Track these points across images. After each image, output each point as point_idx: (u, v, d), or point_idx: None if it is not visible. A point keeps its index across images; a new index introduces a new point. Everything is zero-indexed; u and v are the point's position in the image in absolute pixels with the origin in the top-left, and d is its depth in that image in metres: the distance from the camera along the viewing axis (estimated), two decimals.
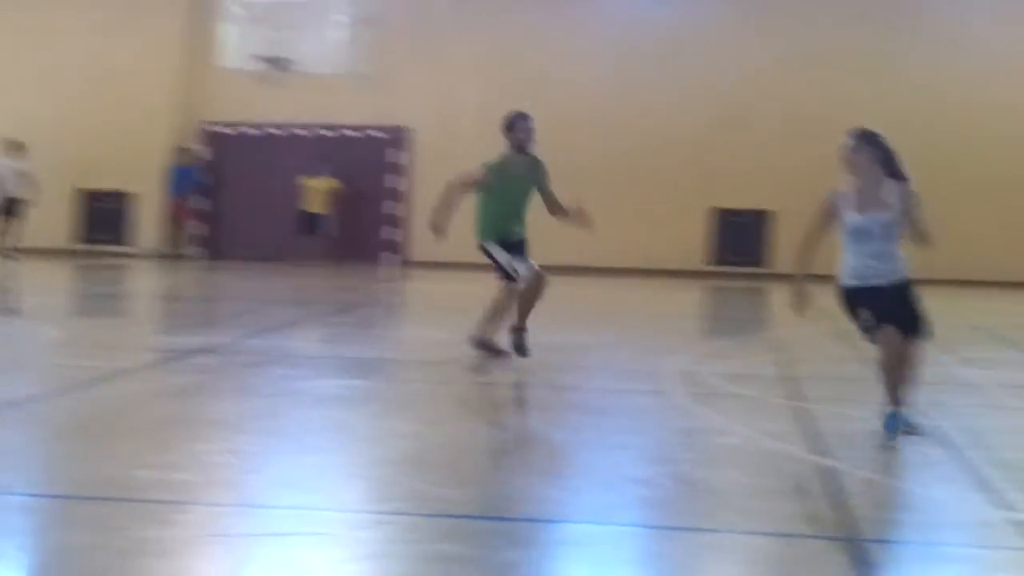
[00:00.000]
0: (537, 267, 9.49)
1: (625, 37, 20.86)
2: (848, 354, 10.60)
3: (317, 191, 20.78)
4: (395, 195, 21.58)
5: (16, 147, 19.18)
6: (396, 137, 21.49)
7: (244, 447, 6.36)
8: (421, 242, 21.63)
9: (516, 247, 9.52)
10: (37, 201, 19.29)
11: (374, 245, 21.43)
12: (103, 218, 21.60)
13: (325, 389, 8.26)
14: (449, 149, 21.06)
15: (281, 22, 19.27)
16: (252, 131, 21.70)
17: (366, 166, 21.54)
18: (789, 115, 20.51)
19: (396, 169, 21.58)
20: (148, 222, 21.56)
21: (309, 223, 20.77)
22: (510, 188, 9.51)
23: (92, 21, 21.02)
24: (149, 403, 7.71)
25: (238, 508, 5.20)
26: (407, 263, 21.58)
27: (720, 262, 21.05)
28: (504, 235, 9.49)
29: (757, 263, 20.87)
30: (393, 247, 21.64)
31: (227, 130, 21.73)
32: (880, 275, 6.62)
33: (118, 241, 21.57)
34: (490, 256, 9.57)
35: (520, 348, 9.32)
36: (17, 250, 18.97)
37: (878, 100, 18.89)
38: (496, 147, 18.92)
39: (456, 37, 21.07)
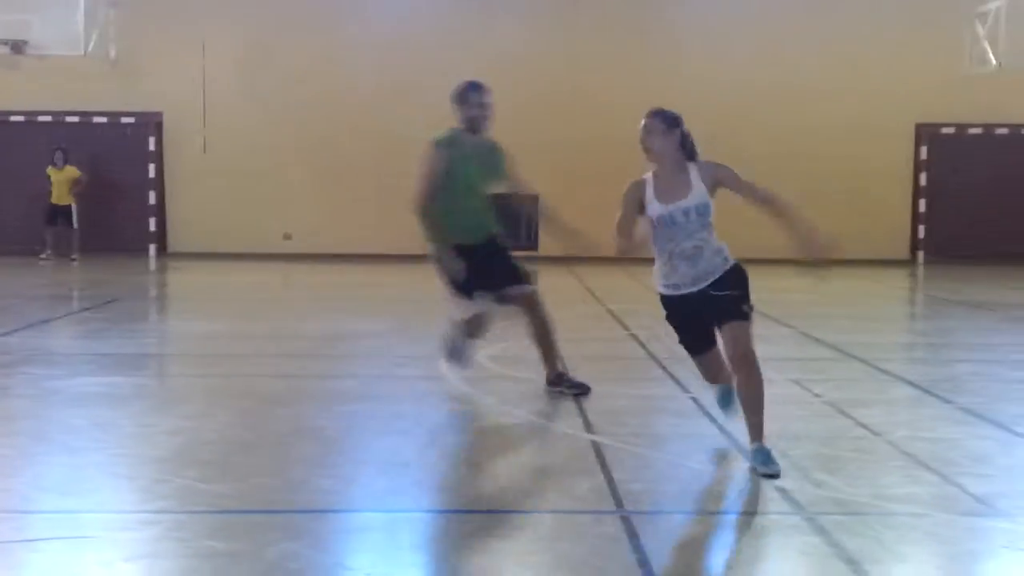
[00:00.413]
0: (524, 289, 7.62)
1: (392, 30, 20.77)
2: (615, 334, 10.90)
3: (58, 181, 19.86)
4: (152, 184, 20.88)
5: None
6: (149, 123, 20.77)
7: (0, 451, 6.02)
8: (178, 232, 21.07)
9: (480, 253, 7.45)
10: None
11: (133, 236, 20.67)
12: None
13: (86, 387, 7.90)
14: (202, 135, 20.59)
15: (16, 4, 18.38)
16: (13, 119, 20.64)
17: (120, 154, 20.74)
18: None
19: (152, 157, 20.87)
20: None
21: (52, 214, 19.84)
22: (461, 175, 7.37)
23: None
24: None
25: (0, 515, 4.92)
26: (169, 254, 20.94)
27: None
28: (458, 236, 7.39)
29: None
30: (155, 238, 20.95)
31: None
32: (693, 280, 5.80)
33: None
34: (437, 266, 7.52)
35: (577, 387, 7.57)
36: None
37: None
38: (250, 133, 18.79)
39: (204, 15, 20.50)
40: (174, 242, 21.09)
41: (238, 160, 20.64)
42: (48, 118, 20.60)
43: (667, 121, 5.85)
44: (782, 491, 5.24)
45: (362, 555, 4.46)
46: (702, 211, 5.76)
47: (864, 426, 6.74)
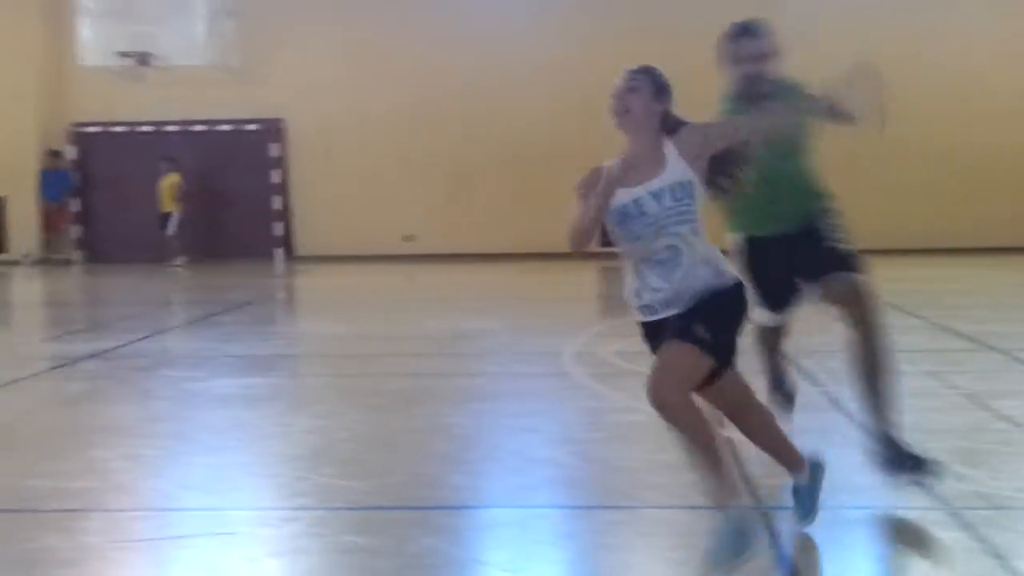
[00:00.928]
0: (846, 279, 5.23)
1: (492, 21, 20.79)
2: None
3: (162, 189, 20.36)
4: (276, 189, 21.29)
5: None
6: (271, 129, 21.19)
7: (144, 451, 6.22)
8: (303, 236, 21.43)
9: (780, 251, 5.37)
10: None
11: (257, 241, 21.11)
12: None
13: (224, 389, 8.12)
14: (323, 139, 20.91)
15: (140, 16, 18.87)
16: (120, 129, 21.22)
17: (243, 160, 21.19)
18: None
19: (275, 162, 21.28)
20: (24, 228, 20.96)
21: (162, 221, 20.33)
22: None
23: None
24: (40, 412, 7.50)
25: (142, 513, 5.09)
26: (294, 258, 21.35)
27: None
28: (753, 229, 5.46)
29: None
30: (281, 242, 21.37)
31: (95, 129, 21.19)
32: (667, 300, 4.18)
33: None
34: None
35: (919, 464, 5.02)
36: None
37: None
38: (371, 136, 18.95)
39: (321, 22, 20.79)
40: (300, 246, 21.48)
41: (359, 163, 20.94)
42: (174, 128, 21.15)
43: (657, 84, 4.27)
44: (923, 486, 5.14)
45: (499, 551, 4.51)
46: (679, 193, 4.13)
47: (1006, 418, 6.56)
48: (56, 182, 20.73)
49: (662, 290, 4.17)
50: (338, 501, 5.13)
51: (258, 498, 5.34)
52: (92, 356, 9.54)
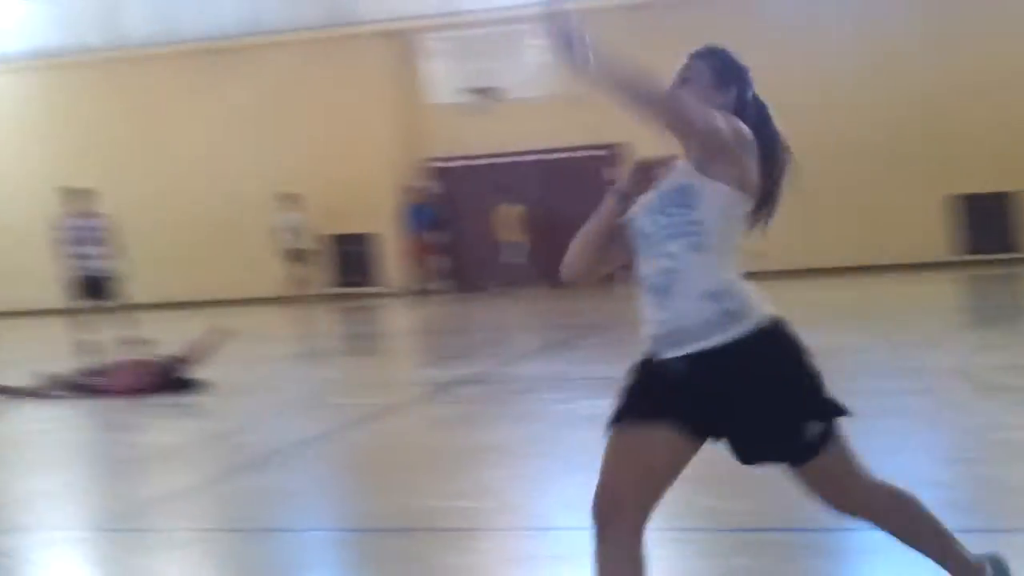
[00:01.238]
0: None
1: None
2: None
3: (505, 218, 20.93)
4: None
5: (292, 200, 20.02)
6: (611, 155, 21.49)
7: (524, 472, 6.48)
8: None
9: None
10: (313, 249, 20.32)
11: None
12: (351, 261, 22.44)
13: (593, 410, 8.25)
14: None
15: (485, 52, 19.56)
16: (473, 162, 22.14)
17: (584, 187, 21.56)
18: None
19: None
20: (392, 261, 22.28)
21: (505, 250, 20.91)
22: None
23: (304, 72, 21.85)
24: (426, 434, 7.97)
25: (532, 532, 5.30)
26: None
27: (965, 251, 20.05)
28: None
29: (1006, 248, 19.81)
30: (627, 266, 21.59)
31: (450, 163, 22.24)
32: (656, 337, 3.25)
33: (367, 282, 22.37)
34: None
35: None
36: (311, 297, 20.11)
37: None
38: None
39: (663, 49, 20.87)
40: None
41: None
42: (525, 157, 21.84)
43: (719, 69, 3.40)
44: None
45: (887, 573, 4.38)
46: (674, 198, 3.20)
47: None
48: (417, 215, 21.92)
49: (653, 324, 3.23)
50: (721, 522, 5.14)
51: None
52: (465, 381, 10.03)
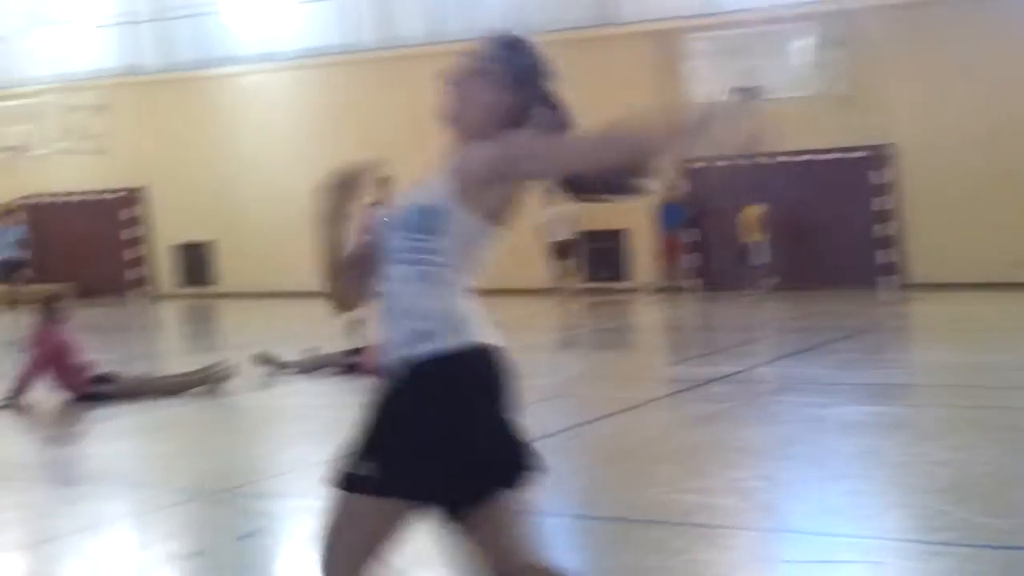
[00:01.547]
0: None
1: None
2: None
3: (748, 218, 20.49)
4: (881, 216, 20.85)
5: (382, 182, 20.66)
6: (876, 155, 20.79)
7: (777, 474, 6.42)
8: (919, 263, 20.78)
9: None
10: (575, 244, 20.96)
11: (861, 268, 20.77)
12: (602, 256, 22.61)
13: (848, 415, 8.14)
14: (936, 163, 20.15)
15: (747, 51, 19.32)
16: (726, 161, 21.83)
17: (841, 188, 20.96)
18: None
19: (879, 189, 20.85)
20: (642, 257, 22.32)
21: (745, 252, 20.48)
22: None
23: (564, 73, 22.15)
24: (678, 430, 7.99)
25: (783, 534, 5.26)
26: (906, 286, 20.77)
27: None
28: None
29: None
30: (888, 270, 20.91)
31: (705, 164, 22.04)
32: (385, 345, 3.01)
33: (617, 277, 22.49)
34: None
35: None
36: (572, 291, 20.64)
37: None
38: (977, 154, 17.89)
39: (938, 48, 20.07)
40: (908, 274, 20.90)
41: (969, 186, 20.01)
42: (781, 158, 21.43)
43: (517, 65, 3.09)
44: None
45: None
46: (418, 221, 2.94)
47: None
48: (673, 214, 21.87)
49: (382, 331, 2.98)
50: (981, 539, 4.96)
51: (898, 529, 5.31)
52: (716, 379, 9.98)
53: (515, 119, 2.98)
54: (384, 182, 15.42)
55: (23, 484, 6.97)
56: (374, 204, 14.63)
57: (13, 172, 26.02)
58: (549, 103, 3.08)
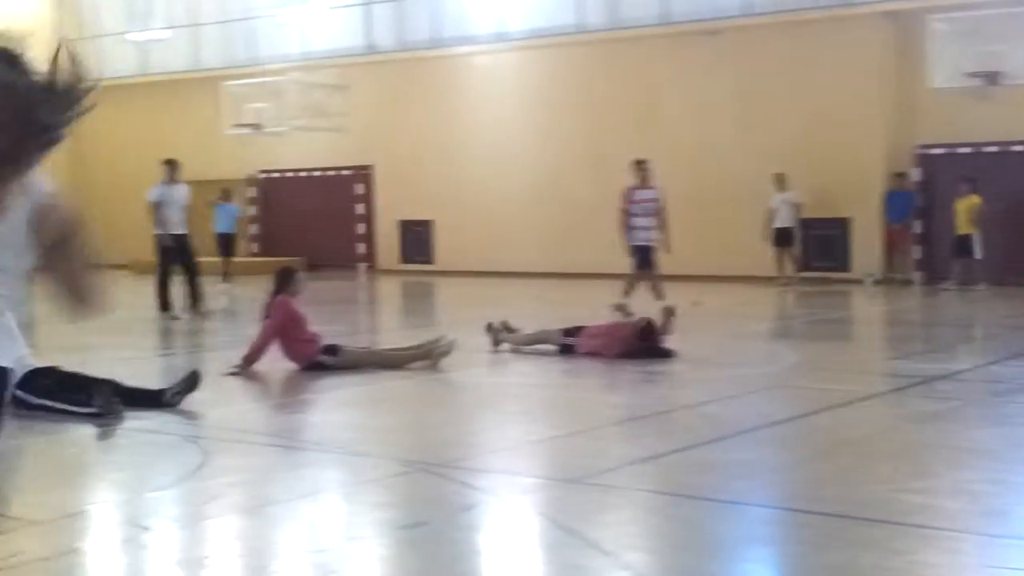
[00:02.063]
0: None
1: None
2: None
3: (959, 210, 19.46)
4: None
5: (783, 180, 20.61)
6: None
7: (1009, 477, 6.13)
8: None
9: None
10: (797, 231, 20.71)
11: None
12: (824, 245, 22.04)
13: None
14: None
15: (991, 35, 18.42)
16: (964, 150, 20.91)
17: None
18: None
19: None
20: (867, 248, 21.64)
21: (958, 245, 19.47)
22: None
23: (796, 53, 21.60)
24: (899, 427, 7.73)
25: (1013, 541, 5.02)
26: None
27: None
28: None
29: None
30: None
31: (939, 151, 21.15)
32: None
33: (838, 267, 21.88)
34: None
35: None
36: (790, 279, 20.34)
37: None
38: None
39: None
40: None
41: None
42: (1004, 148, 20.39)
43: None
44: None
45: None
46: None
47: None
48: (900, 203, 21.12)
49: None
50: None
51: None
52: (943, 376, 9.61)
53: None
54: (641, 165, 15.58)
55: (249, 448, 7.30)
56: (634, 187, 15.14)
57: (251, 147, 27.25)
58: None
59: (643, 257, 15.25)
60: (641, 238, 15.21)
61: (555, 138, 24.01)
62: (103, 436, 7.52)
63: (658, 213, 15.31)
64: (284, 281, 10.54)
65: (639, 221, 15.19)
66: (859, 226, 21.71)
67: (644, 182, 15.47)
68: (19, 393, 8.19)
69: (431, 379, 9.91)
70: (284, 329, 10.23)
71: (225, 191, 25.50)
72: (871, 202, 21.35)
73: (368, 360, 10.38)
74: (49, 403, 8.04)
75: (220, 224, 24.88)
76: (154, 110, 30.00)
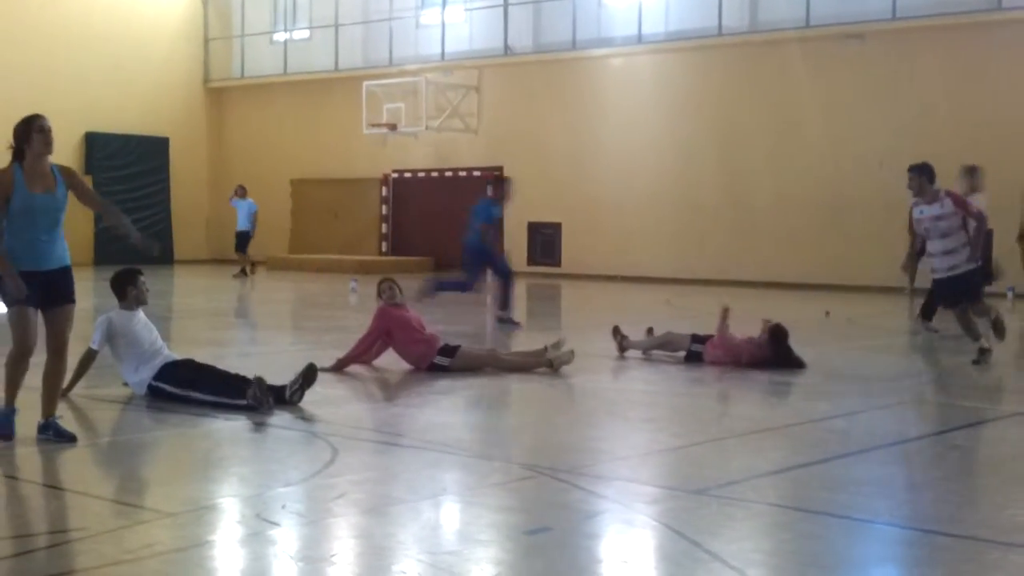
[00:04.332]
0: None
1: None
2: None
3: None
4: None
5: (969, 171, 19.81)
6: None
7: None
8: None
9: None
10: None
11: None
12: None
13: None
14: None
15: None
16: None
17: None
18: None
19: None
20: (1008, 260, 20.89)
21: None
22: None
23: (949, 58, 20.98)
24: None
25: None
26: None
27: None
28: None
29: None
30: None
31: None
32: None
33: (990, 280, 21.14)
34: None
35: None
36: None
37: None
38: None
39: None
40: None
41: None
42: None
43: None
44: None
45: None
46: None
47: None
48: None
49: None
50: None
51: None
52: None
53: None
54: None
55: (374, 447, 7.38)
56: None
57: (386, 147, 27.62)
58: None
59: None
60: (941, 267, 11.28)
61: (689, 142, 23.80)
62: (234, 431, 7.68)
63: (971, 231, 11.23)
64: (379, 290, 10.68)
65: (936, 245, 11.19)
66: (1000, 238, 21.00)
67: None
68: (159, 384, 8.44)
69: (554, 384, 9.89)
70: (389, 335, 10.36)
71: (241, 187, 25.75)
72: (1011, 214, 20.64)
73: (487, 363, 10.39)
74: (196, 395, 8.25)
75: (239, 221, 25.08)
76: (295, 109, 30.64)
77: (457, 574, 4.75)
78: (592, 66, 25.48)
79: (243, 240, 25.32)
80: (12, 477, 6.44)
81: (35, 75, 27.79)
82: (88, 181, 28.31)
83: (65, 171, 7.02)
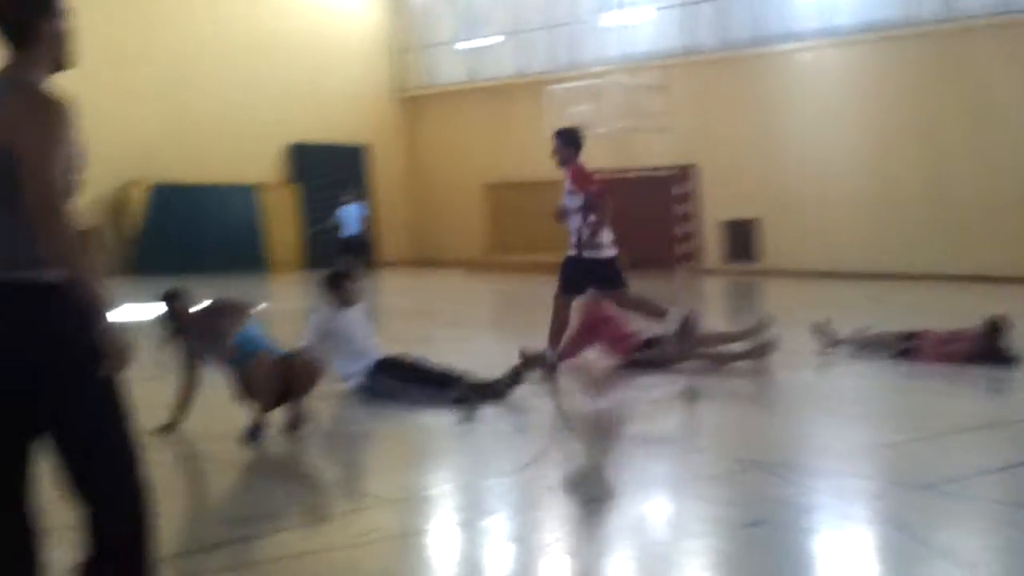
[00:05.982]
0: None
1: None
2: None
3: None
4: None
5: None
6: None
7: None
8: None
9: None
10: None
11: None
12: None
13: None
14: None
15: None
16: None
17: None
18: None
19: None
20: None
21: None
22: None
23: None
24: None
25: None
26: None
27: None
28: None
29: None
30: None
31: None
32: None
33: None
34: None
35: None
36: None
37: None
38: None
39: None
40: None
41: None
42: None
43: None
44: None
45: None
46: None
47: None
48: None
49: None
50: None
51: None
52: None
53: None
54: None
55: (581, 440, 7.40)
56: None
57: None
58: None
59: None
60: None
61: (884, 135, 23.11)
62: (448, 424, 7.82)
63: None
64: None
65: None
66: None
67: None
68: (372, 379, 8.69)
69: (759, 380, 9.73)
70: (595, 330, 10.41)
71: (350, 192, 25.17)
72: None
73: (690, 356, 10.28)
74: (407, 390, 8.46)
75: (347, 227, 24.21)
76: (482, 115, 31.07)
77: (675, 565, 4.73)
78: (779, 61, 25.01)
79: (355, 246, 24.28)
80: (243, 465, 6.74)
81: (240, 89, 28.99)
82: (297, 190, 29.45)
83: None
